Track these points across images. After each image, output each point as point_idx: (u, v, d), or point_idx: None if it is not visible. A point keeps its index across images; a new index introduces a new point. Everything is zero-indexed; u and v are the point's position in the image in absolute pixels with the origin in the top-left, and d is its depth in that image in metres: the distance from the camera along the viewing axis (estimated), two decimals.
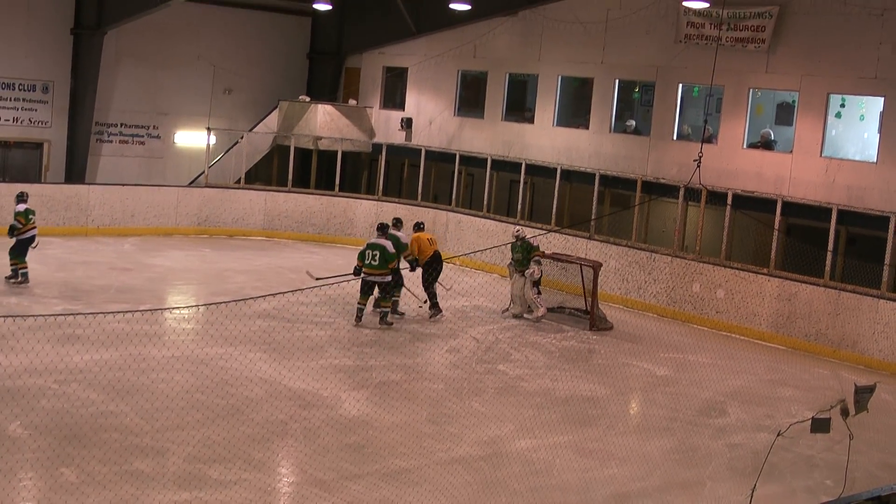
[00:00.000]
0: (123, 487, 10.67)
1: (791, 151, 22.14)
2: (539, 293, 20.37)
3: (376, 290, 18.90)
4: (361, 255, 18.90)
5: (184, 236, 26.41)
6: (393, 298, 19.31)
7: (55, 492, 10.51)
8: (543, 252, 20.69)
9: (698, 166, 16.85)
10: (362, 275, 18.69)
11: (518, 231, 20.82)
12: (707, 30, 23.08)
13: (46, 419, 12.48)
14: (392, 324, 18.82)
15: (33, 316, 14.61)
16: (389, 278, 18.83)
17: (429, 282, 19.57)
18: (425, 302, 19.71)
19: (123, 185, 25.96)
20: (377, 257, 18.62)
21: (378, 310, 18.97)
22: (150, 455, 11.73)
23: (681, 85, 24.24)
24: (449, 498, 11.20)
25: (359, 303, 18.79)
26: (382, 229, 19.27)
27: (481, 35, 28.22)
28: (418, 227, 20.50)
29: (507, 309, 20.60)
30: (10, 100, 28.22)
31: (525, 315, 20.35)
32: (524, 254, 20.37)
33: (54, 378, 13.91)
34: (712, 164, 20.98)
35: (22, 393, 13.14)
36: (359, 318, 18.65)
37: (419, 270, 19.53)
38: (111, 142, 30.06)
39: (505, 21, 27.75)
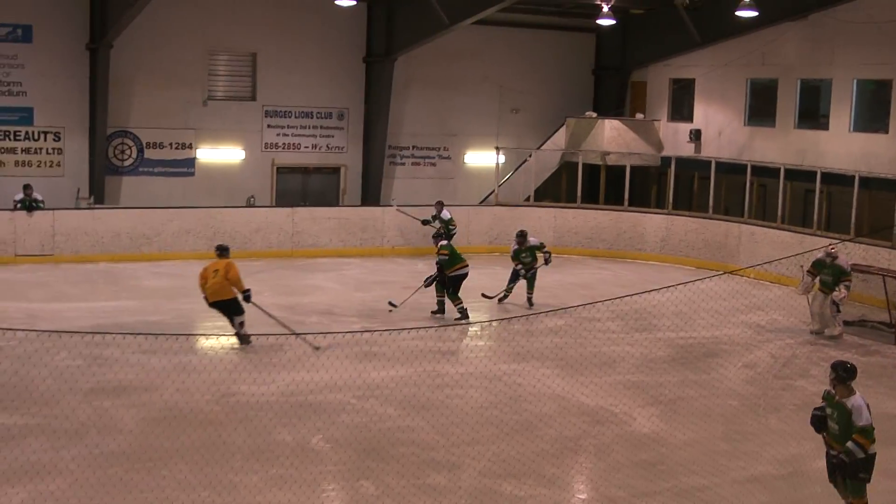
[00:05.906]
0: (420, 501, 10.92)
1: None
2: (839, 311, 19.34)
3: None
4: None
5: (475, 254, 26.85)
6: None
7: (356, 503, 10.87)
8: (852, 277, 19.16)
9: None
10: None
11: (833, 249, 19.22)
12: None
13: (346, 433, 12.95)
14: None
15: (332, 332, 15.16)
16: None
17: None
18: None
19: (415, 205, 26.61)
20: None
21: None
22: (444, 469, 11.95)
23: None
24: None
25: None
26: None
27: (769, 41, 27.46)
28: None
29: (813, 330, 19.68)
30: (310, 128, 29.64)
31: (825, 331, 19.48)
32: (834, 277, 19.25)
33: (353, 393, 14.42)
34: None
35: (324, 407, 13.71)
36: None
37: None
38: (404, 164, 31.06)
39: (794, 25, 26.94)
